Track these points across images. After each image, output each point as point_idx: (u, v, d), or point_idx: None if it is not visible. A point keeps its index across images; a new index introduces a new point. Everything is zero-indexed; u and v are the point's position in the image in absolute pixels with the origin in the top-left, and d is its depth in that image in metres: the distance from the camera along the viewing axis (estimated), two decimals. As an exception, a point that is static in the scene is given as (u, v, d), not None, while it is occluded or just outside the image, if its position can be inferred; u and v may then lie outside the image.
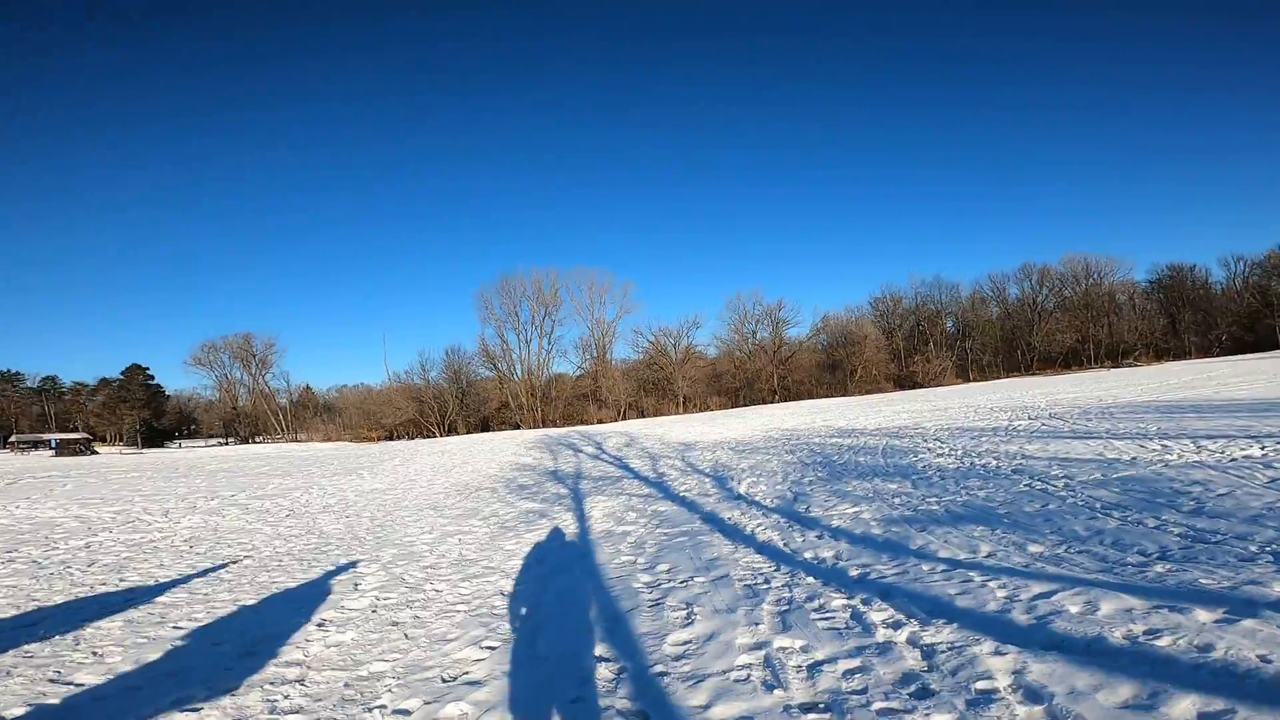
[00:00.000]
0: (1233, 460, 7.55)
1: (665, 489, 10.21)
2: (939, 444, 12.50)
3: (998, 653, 3.03)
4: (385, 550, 7.25)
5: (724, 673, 3.19)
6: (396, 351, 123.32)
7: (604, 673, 3.35)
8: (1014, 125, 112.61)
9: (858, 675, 3.01)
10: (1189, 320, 53.21)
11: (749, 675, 3.13)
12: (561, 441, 23.09)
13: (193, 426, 69.88)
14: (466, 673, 3.55)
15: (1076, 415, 15.11)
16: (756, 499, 8.62)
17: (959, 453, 10.99)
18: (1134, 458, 8.56)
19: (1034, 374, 51.59)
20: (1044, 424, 13.91)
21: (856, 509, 7.32)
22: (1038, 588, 3.90)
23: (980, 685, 2.76)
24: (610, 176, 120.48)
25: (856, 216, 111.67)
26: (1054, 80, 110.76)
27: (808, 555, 5.56)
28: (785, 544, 6.05)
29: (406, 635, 4.26)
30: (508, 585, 5.33)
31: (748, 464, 12.34)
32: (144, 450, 47.86)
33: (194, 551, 7.65)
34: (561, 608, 4.58)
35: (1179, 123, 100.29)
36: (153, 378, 63.70)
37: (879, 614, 3.78)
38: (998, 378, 52.52)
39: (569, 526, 7.98)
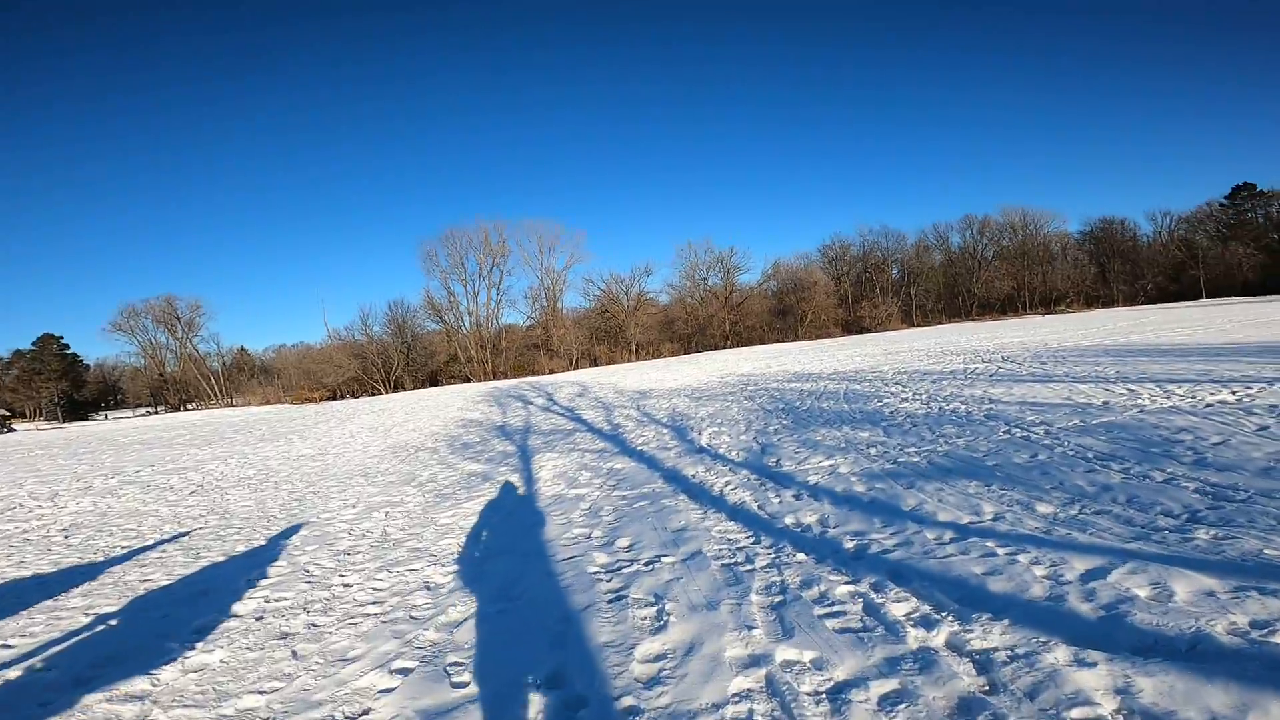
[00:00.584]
0: (1208, 406, 7.15)
1: (621, 443, 9.36)
2: (900, 388, 12.02)
3: (1080, 662, 2.28)
4: (297, 532, 6.17)
5: (716, 708, 2.34)
6: (337, 309, 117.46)
7: (551, 713, 2.47)
8: (954, 81, 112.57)
9: (901, 708, 2.20)
10: (1118, 270, 55.65)
11: (751, 713, 2.30)
12: (511, 394, 21.98)
13: (118, 397, 65.25)
14: (366, 712, 2.62)
15: (1029, 359, 14.92)
16: (721, 452, 7.86)
17: (924, 397, 10.50)
18: (1105, 402, 8.15)
19: (974, 319, 52.99)
20: (1000, 367, 13.62)
21: (831, 461, 6.63)
22: (1079, 563, 3.20)
23: (1077, 716, 2.00)
24: (557, 127, 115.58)
25: (806, 166, 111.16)
26: (995, 40, 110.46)
27: (789, 521, 4.80)
28: (761, 507, 5.28)
29: (295, 653, 3.28)
30: (436, 575, 4.38)
31: (706, 412, 11.61)
32: (65, 424, 44.30)
33: (67, 544, 6.40)
34: (499, 606, 3.67)
35: (1114, 84, 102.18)
36: (68, 347, 58.58)
37: (899, 605, 3.01)
38: (940, 323, 53.68)
39: (515, 491, 7.05)
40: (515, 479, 7.69)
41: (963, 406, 9.08)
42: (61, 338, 58.37)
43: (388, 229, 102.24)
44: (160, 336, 58.27)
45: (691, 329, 56.20)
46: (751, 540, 4.44)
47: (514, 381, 32.78)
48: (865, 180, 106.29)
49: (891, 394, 11.33)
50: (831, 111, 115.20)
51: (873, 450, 6.97)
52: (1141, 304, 49.17)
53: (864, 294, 58.73)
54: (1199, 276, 51.78)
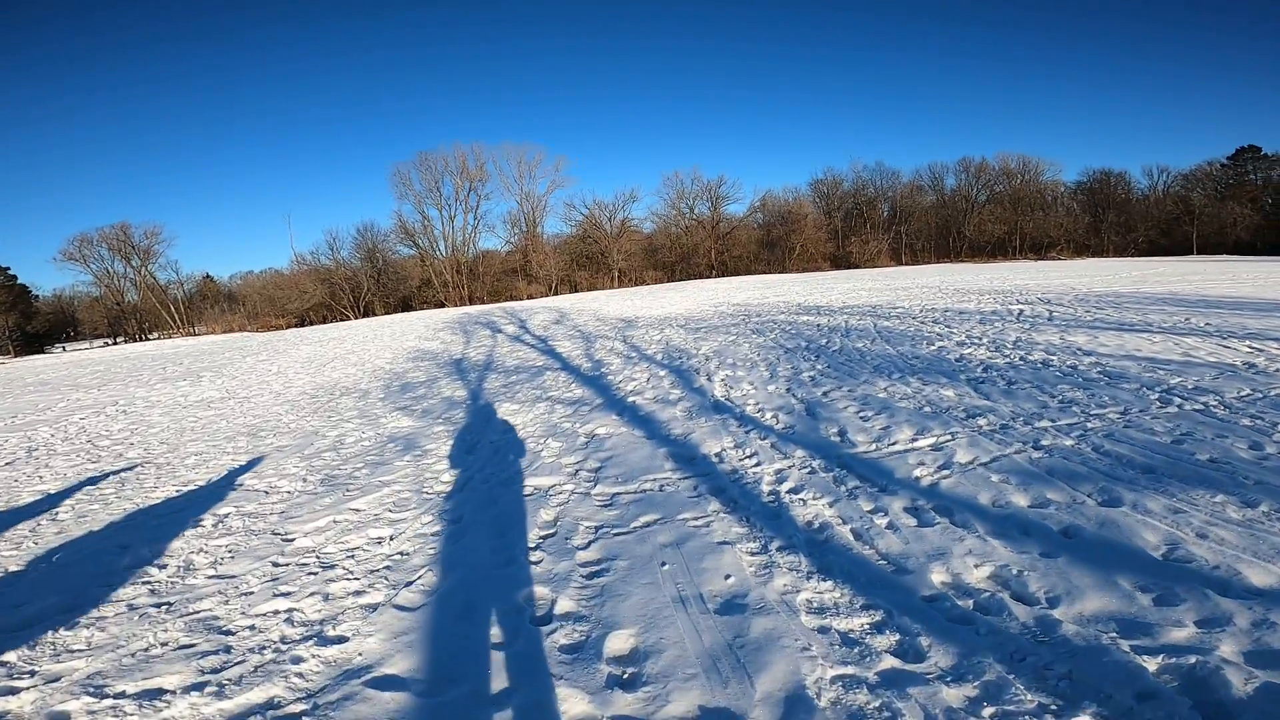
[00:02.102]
0: None
1: (605, 390, 6.86)
2: (944, 328, 9.60)
3: None
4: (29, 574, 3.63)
5: None
6: (306, 232, 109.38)
7: None
8: (962, 18, 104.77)
9: None
10: (1112, 221, 53.68)
11: None
12: (480, 320, 19.23)
13: (76, 328, 60.77)
14: None
15: (1074, 302, 12.62)
16: (748, 411, 5.40)
17: (986, 341, 8.10)
18: (1247, 363, 5.93)
19: (963, 261, 50.61)
20: (1050, 310, 11.26)
21: (932, 440, 4.21)
22: None
23: None
24: (539, 49, 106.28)
25: (798, 98, 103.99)
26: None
27: (937, 580, 2.44)
28: (862, 538, 2.87)
29: None
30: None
31: (710, 348, 9.12)
32: (12, 360, 40.56)
33: None
34: None
35: (1123, 38, 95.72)
36: (15, 278, 53.49)
37: None
38: (929, 262, 51.28)
39: (439, 478, 4.55)
40: (447, 449, 5.17)
41: (1053, 358, 6.72)
42: (9, 268, 53.27)
43: (358, 151, 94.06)
44: (117, 266, 53.63)
45: (676, 257, 52.95)
46: (893, 643, 2.02)
47: (487, 307, 29.85)
48: (862, 116, 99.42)
49: (938, 335, 8.91)
50: (831, 42, 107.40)
51: (982, 422, 4.55)
52: (1132, 256, 47.33)
53: (854, 229, 55.75)
54: (1192, 233, 50.02)
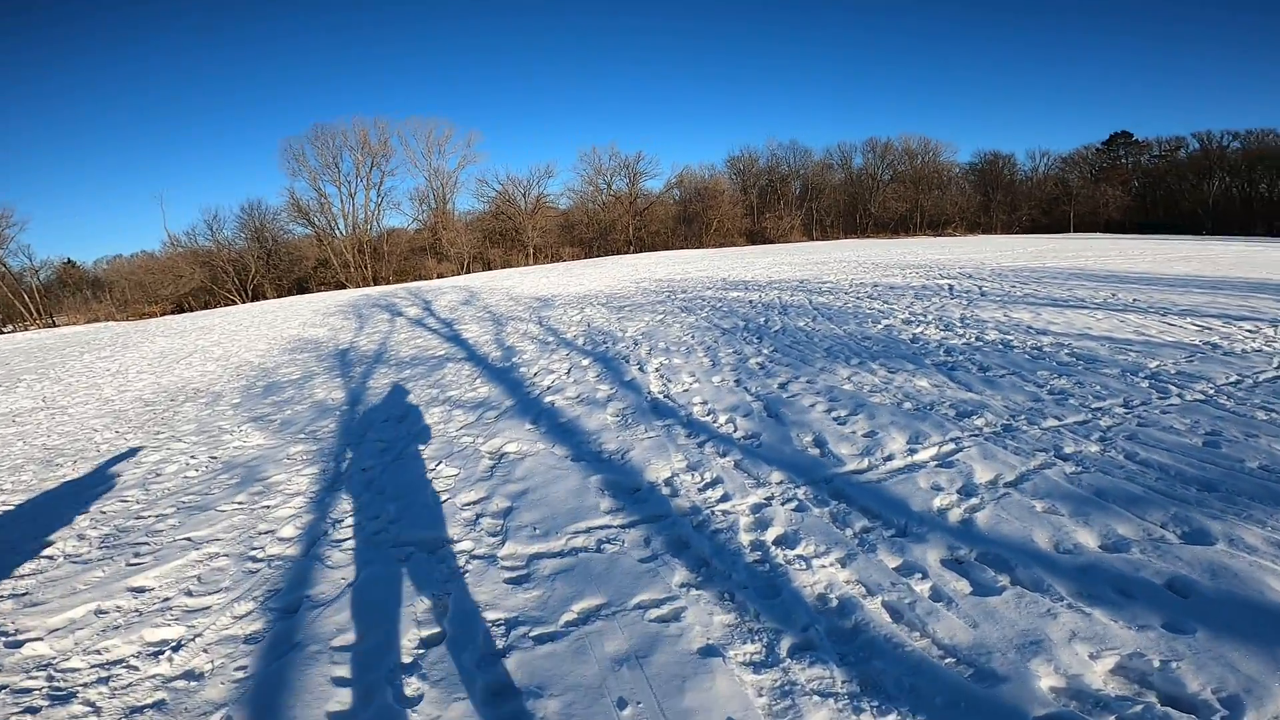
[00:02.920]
0: None
1: (517, 386, 5.64)
2: (883, 304, 9.03)
3: None
4: None
5: None
6: (182, 212, 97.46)
7: None
8: (867, 9, 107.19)
9: None
10: (1000, 201, 57.21)
11: None
12: (379, 303, 17.17)
13: None
14: None
15: (996, 277, 12.57)
16: (695, 414, 4.39)
17: (931, 319, 7.54)
18: (1203, 342, 5.62)
19: (870, 237, 52.19)
20: (979, 285, 11.05)
21: (944, 452, 3.35)
22: None
23: None
24: (447, 19, 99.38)
25: (715, 75, 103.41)
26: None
27: None
28: (946, 644, 1.89)
29: None
30: None
31: (637, 329, 8.05)
32: None
33: None
34: None
35: (1014, 26, 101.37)
36: None
37: None
38: (839, 238, 52.52)
39: (278, 533, 3.24)
40: (302, 483, 3.82)
41: (1010, 338, 6.18)
42: None
43: (243, 125, 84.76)
44: None
45: (594, 233, 51.31)
46: None
47: (390, 288, 27.33)
48: (777, 95, 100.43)
49: (880, 313, 8.28)
50: (750, 19, 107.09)
51: (979, 422, 3.76)
52: (1017, 233, 50.47)
53: (769, 206, 56.18)
54: (1069, 212, 53.98)
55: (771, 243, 49.00)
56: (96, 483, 4.19)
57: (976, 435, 3.52)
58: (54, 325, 44.44)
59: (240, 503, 3.57)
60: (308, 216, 48.66)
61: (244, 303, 40.51)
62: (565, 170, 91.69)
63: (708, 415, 4.37)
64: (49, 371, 10.28)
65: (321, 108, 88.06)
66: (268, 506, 3.47)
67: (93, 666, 2.17)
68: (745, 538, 2.60)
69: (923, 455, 3.34)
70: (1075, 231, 49.44)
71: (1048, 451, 3.20)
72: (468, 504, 3.26)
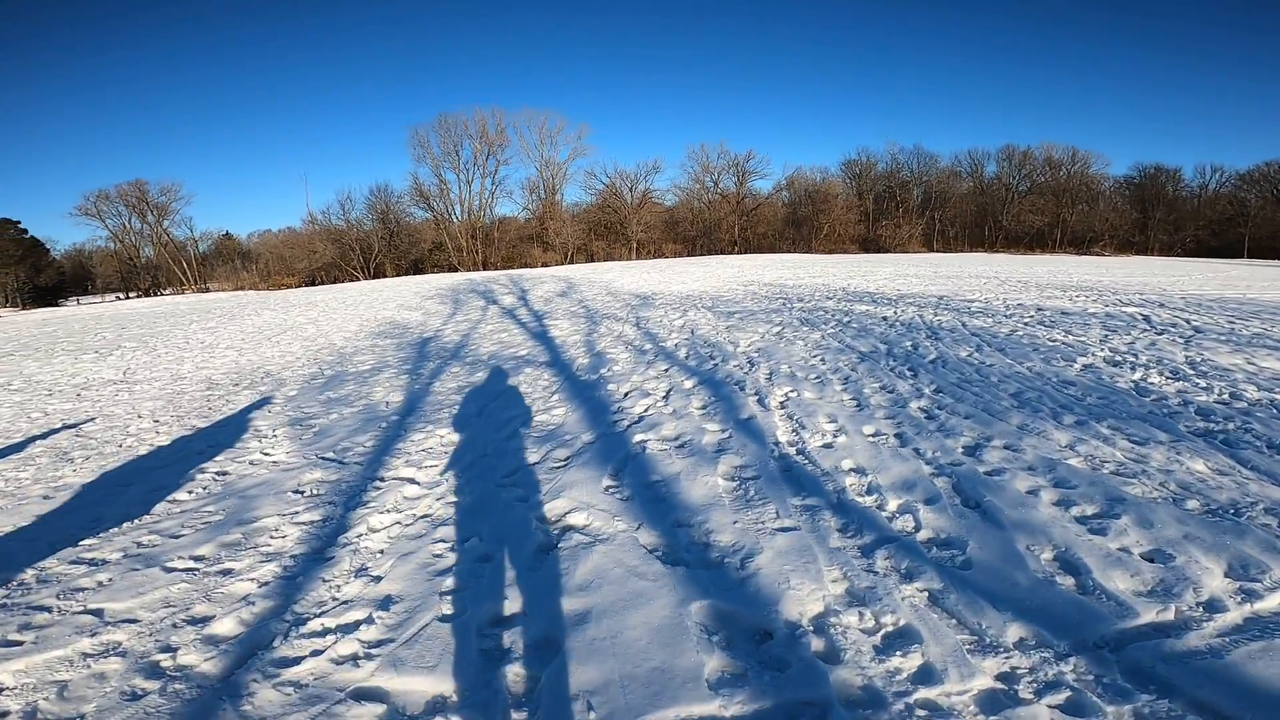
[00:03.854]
0: None
1: (599, 411, 4.40)
2: (1066, 335, 7.01)
3: None
4: None
5: None
6: (324, 194, 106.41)
7: None
8: (1002, 11, 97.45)
9: None
10: (1160, 219, 49.72)
11: None
12: (477, 289, 16.74)
13: (92, 282, 59.34)
14: None
15: (1189, 306, 10.00)
16: (851, 491, 2.92)
17: (1148, 361, 5.53)
18: None
19: (999, 251, 46.96)
20: (1190, 318, 8.64)
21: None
22: None
23: None
24: (563, 15, 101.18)
25: (832, 75, 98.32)
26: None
27: None
28: None
29: None
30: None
31: (751, 343, 6.61)
32: (21, 310, 38.96)
33: None
34: None
35: (1179, 29, 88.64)
36: (25, 231, 51.68)
37: None
38: (962, 250, 47.73)
39: (181, 636, 2.12)
40: (290, 542, 2.75)
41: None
42: (18, 222, 51.17)
43: (376, 112, 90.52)
44: (134, 222, 51.94)
45: (698, 231, 49.75)
46: None
47: (494, 274, 27.34)
48: (900, 98, 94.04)
49: (1067, 346, 6.32)
50: (872, 19, 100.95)
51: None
52: (1179, 255, 43.64)
53: (885, 213, 52.11)
54: (1245, 235, 46.12)
55: (886, 251, 45.33)
56: (74, 507, 3.36)
57: None
58: (206, 291, 49.21)
59: (198, 559, 2.55)
60: (428, 201, 50.73)
61: (365, 279, 42.73)
62: (672, 167, 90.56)
63: (869, 496, 2.90)
64: (151, 340, 10.35)
65: (445, 98, 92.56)
66: (227, 572, 2.42)
67: None
68: None
69: (1272, 602, 1.73)
70: (1250, 257, 41.99)
71: None
72: (491, 624, 2.03)
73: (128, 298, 49.25)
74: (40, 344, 10.55)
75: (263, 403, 5.33)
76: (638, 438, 3.76)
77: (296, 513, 3.00)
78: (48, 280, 51.41)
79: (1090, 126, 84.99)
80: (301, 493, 3.23)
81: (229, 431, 4.49)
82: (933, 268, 21.74)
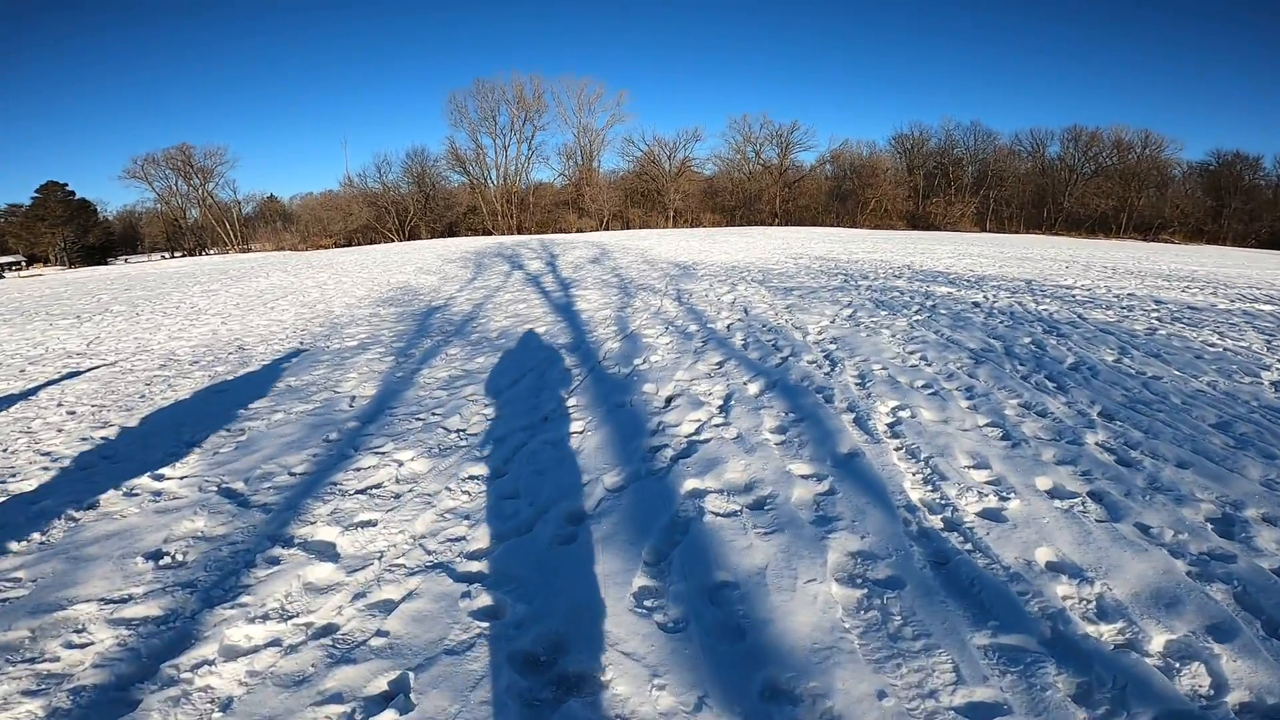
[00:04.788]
0: None
1: (631, 430, 3.12)
2: (1222, 339, 5.41)
3: None
4: None
5: None
6: (361, 155, 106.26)
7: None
8: None
9: None
10: (1236, 208, 45.43)
11: None
12: (503, 253, 15.48)
13: (140, 242, 60.31)
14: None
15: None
16: (1070, 616, 1.59)
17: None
18: None
19: (1059, 234, 43.49)
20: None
21: None
22: None
23: None
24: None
25: (882, 48, 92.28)
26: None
27: None
28: None
29: None
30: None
31: (821, 329, 5.22)
32: (67, 269, 39.46)
33: None
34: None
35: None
36: (73, 194, 52.23)
37: None
38: (1016, 232, 44.41)
39: None
40: (92, 655, 1.55)
41: None
42: (66, 185, 51.79)
43: (414, 78, 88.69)
44: (180, 185, 52.20)
45: (738, 201, 47.35)
46: None
47: (525, 238, 26.03)
48: (953, 72, 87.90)
49: (1236, 354, 4.75)
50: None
51: None
52: (1252, 246, 39.78)
53: (936, 189, 48.76)
54: (1332, 226, 41.87)
55: (936, 229, 42.47)
56: None
57: None
58: (248, 250, 49.47)
59: None
60: (464, 165, 49.52)
61: (400, 241, 42.02)
62: (712, 136, 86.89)
63: (1107, 625, 1.56)
64: (142, 304, 9.37)
65: (483, 63, 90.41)
66: None
67: None
68: None
69: None
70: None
71: None
72: None
73: (173, 257, 49.78)
74: (30, 307, 9.75)
75: (206, 392, 4.19)
76: (689, 484, 2.45)
77: (130, 599, 1.80)
78: (95, 240, 52.15)
79: (1162, 109, 78.10)
80: (158, 558, 2.02)
81: (140, 435, 3.34)
82: (996, 248, 19.67)
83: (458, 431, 3.14)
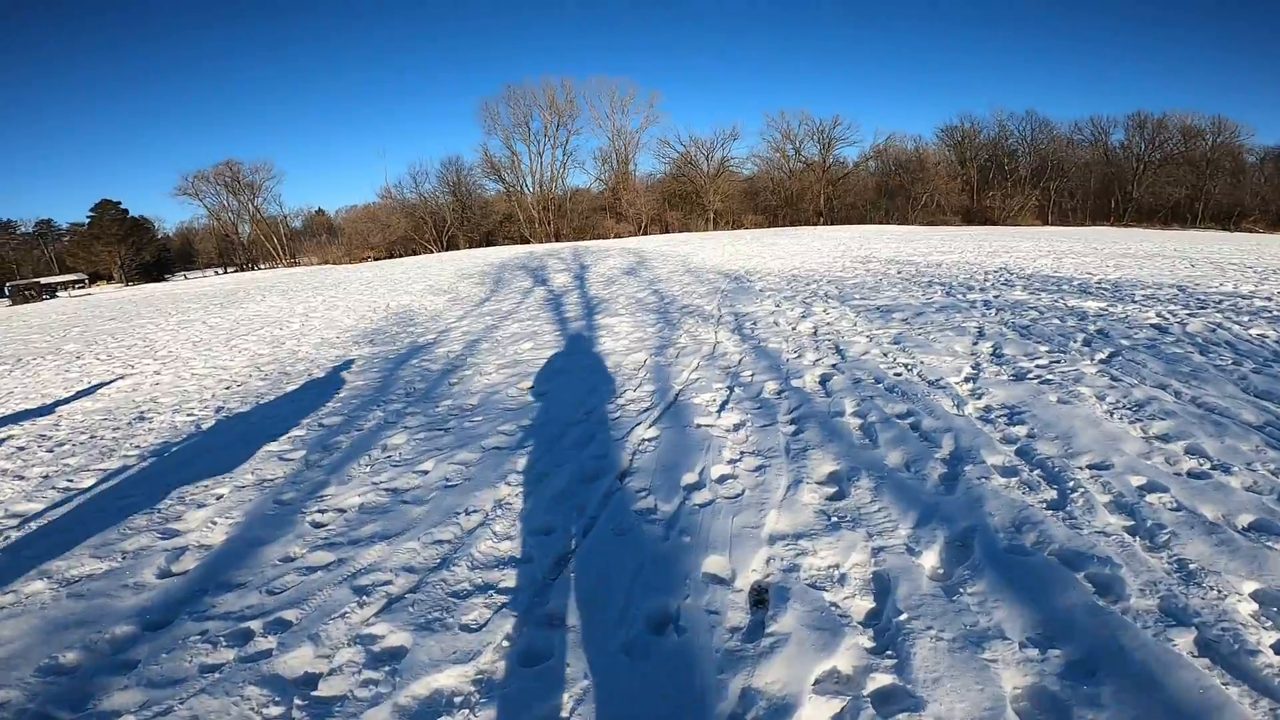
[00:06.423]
0: None
1: (686, 697, 1.30)
2: None
3: None
4: None
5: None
6: (400, 167, 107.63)
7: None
8: None
9: None
10: None
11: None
12: (528, 265, 13.82)
13: (195, 258, 61.98)
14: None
15: None
16: None
17: None
18: None
19: (1129, 226, 39.44)
20: None
21: None
22: None
23: None
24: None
25: (927, 40, 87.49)
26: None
27: None
28: None
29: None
30: None
31: (980, 394, 3.29)
32: (125, 286, 40.20)
33: None
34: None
35: None
36: (126, 212, 53.56)
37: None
38: (1081, 224, 40.53)
39: None
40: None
41: None
42: (120, 203, 53.15)
43: (445, 86, 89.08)
44: (229, 200, 53.21)
45: (779, 201, 44.91)
46: None
47: (557, 246, 24.47)
48: (1003, 60, 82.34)
49: None
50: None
51: None
52: None
53: (992, 182, 45.08)
54: None
55: (994, 224, 39.07)
56: None
57: None
58: (294, 265, 49.87)
59: None
60: (499, 173, 48.50)
61: (438, 251, 41.23)
62: (750, 135, 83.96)
63: None
64: (102, 340, 8.01)
65: (514, 69, 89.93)
66: None
67: None
68: None
69: None
70: None
71: None
72: None
73: (225, 272, 50.54)
74: (18, 338, 8.58)
75: (58, 472, 2.54)
76: None
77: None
78: (150, 256, 53.33)
79: (1231, 93, 71.23)
80: None
81: None
82: (1080, 243, 16.98)
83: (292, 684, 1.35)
